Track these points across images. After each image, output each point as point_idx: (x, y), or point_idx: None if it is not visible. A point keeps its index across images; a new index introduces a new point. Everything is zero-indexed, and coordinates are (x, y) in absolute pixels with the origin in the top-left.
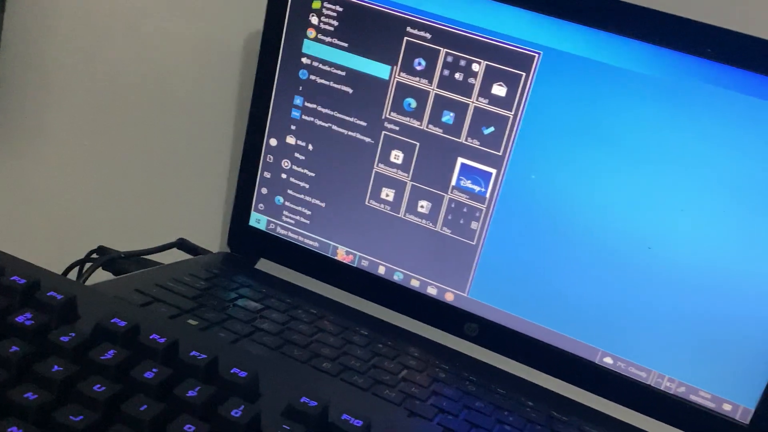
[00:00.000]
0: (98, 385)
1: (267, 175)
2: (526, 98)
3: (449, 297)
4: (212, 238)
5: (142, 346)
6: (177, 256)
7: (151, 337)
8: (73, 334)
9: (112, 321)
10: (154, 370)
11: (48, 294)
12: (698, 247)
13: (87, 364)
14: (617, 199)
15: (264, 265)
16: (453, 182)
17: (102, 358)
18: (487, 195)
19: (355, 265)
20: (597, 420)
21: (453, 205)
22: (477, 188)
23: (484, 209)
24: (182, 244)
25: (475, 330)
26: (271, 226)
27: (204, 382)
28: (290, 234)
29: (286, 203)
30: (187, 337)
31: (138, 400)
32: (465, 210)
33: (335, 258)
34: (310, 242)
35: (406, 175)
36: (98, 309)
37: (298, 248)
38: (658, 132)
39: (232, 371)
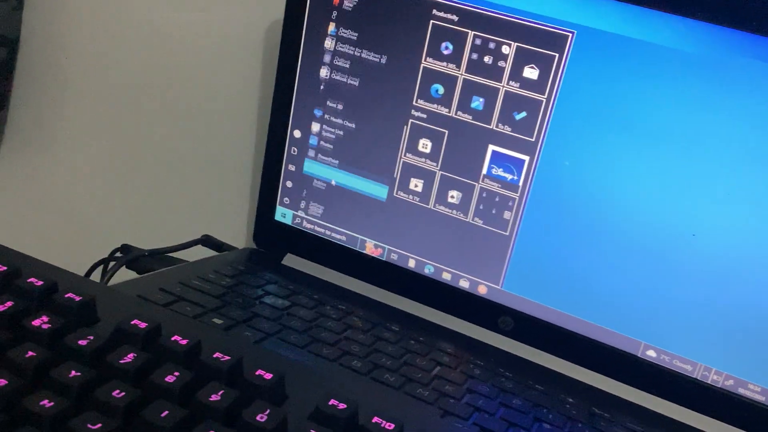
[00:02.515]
0: (117, 391)
1: (292, 167)
2: (559, 80)
3: (482, 290)
4: (237, 233)
5: (164, 349)
6: (202, 252)
7: (172, 338)
8: (92, 337)
9: (132, 322)
10: (175, 373)
11: (66, 296)
12: (746, 233)
13: (105, 369)
14: (658, 183)
15: (290, 260)
16: (484, 171)
17: (121, 361)
18: (520, 183)
19: (384, 259)
20: (641, 416)
21: (484, 195)
22: (509, 176)
23: (517, 198)
24: (207, 241)
25: (510, 324)
26: (297, 220)
27: (228, 385)
28: (317, 228)
29: (312, 196)
30: (211, 338)
31: (159, 406)
32: (497, 199)
33: (363, 252)
34: (338, 236)
35: (434, 164)
36: (119, 310)
37: (325, 242)
38: (700, 112)
39: (257, 373)
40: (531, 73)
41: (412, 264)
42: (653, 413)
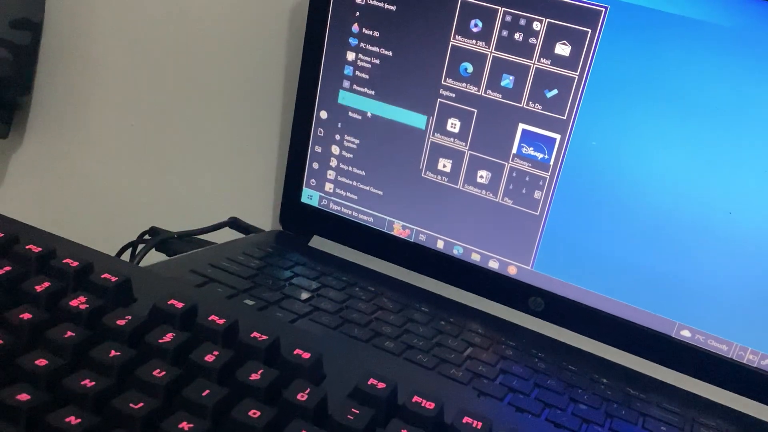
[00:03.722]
0: (158, 370)
1: (318, 149)
2: (592, 57)
3: (512, 271)
4: (264, 216)
5: (201, 328)
6: (229, 235)
7: (209, 318)
8: (129, 317)
9: (168, 302)
10: (214, 353)
11: (102, 276)
12: None
13: (145, 348)
14: (692, 160)
15: (317, 242)
16: (514, 150)
17: (160, 341)
18: (551, 162)
19: (412, 240)
20: (676, 396)
21: (514, 174)
22: (540, 155)
23: (548, 177)
24: (234, 223)
25: (541, 304)
26: (324, 201)
27: (266, 364)
28: (344, 210)
29: (339, 177)
30: (246, 318)
31: (200, 385)
32: (527, 179)
33: (391, 233)
34: (365, 217)
35: (463, 144)
36: (154, 290)
37: (353, 224)
38: (736, 88)
39: (295, 353)
40: (563, 49)
41: (440, 245)
42: (688, 393)
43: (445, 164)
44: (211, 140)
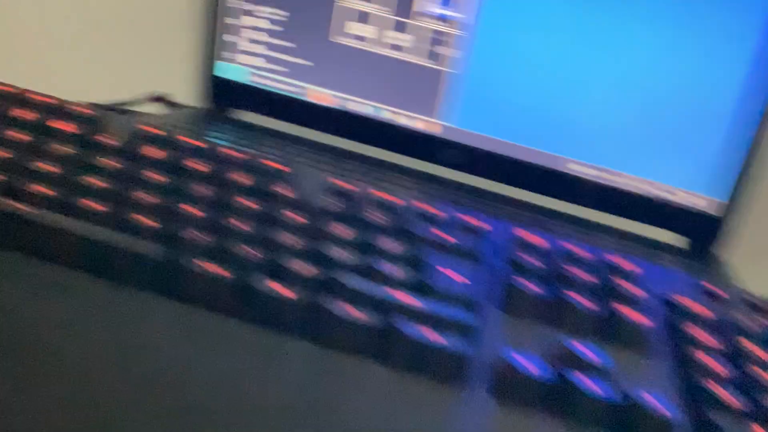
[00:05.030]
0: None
1: (229, 21)
2: None
3: (423, 125)
4: (183, 92)
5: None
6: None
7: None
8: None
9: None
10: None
11: (75, 108)
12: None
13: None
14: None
15: (241, 115)
16: (426, 8)
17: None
18: (464, 18)
19: (333, 107)
20: (588, 226)
21: (426, 33)
22: (450, 12)
23: (459, 34)
24: (159, 99)
25: (456, 157)
26: (242, 74)
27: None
28: (261, 80)
29: (254, 48)
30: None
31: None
32: (441, 37)
33: (309, 100)
34: (281, 86)
35: (377, 6)
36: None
37: (270, 94)
38: None
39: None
40: None
41: (361, 108)
42: (597, 224)
43: (355, 27)
44: (125, 13)
